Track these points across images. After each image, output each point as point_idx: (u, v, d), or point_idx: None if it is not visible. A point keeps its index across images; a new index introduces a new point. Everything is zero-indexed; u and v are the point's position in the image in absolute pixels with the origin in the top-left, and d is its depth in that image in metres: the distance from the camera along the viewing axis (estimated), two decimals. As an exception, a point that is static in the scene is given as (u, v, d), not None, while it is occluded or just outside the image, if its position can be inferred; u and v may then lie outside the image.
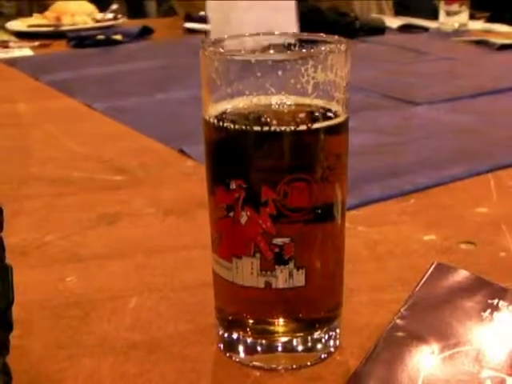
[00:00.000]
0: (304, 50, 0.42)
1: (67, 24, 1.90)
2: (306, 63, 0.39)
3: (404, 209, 0.69)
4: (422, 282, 0.50)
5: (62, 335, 0.48)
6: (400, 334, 0.44)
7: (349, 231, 0.46)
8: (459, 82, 1.25)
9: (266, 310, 0.44)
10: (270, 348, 0.44)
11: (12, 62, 1.53)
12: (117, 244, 0.63)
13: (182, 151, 0.87)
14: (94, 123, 1.05)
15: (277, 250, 0.41)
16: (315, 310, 0.44)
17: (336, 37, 0.43)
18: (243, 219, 0.41)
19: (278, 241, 0.41)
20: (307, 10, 1.48)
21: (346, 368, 0.44)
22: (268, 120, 0.40)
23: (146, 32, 1.84)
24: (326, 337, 0.45)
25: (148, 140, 0.93)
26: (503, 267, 0.56)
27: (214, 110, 0.41)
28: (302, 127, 0.39)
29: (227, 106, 0.41)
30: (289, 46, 0.43)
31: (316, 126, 0.40)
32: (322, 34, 0.43)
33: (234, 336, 0.45)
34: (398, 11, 2.41)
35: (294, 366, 0.44)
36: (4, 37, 1.84)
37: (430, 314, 0.46)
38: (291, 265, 0.41)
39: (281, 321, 0.44)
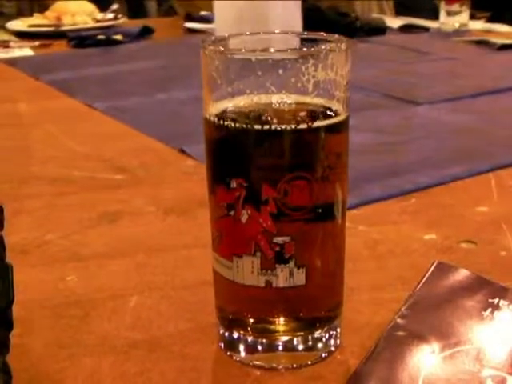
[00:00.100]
0: (305, 49, 0.42)
1: (68, 24, 1.90)
2: (306, 62, 0.39)
3: (404, 208, 0.69)
4: (422, 282, 0.50)
5: (62, 334, 0.48)
6: (400, 333, 0.44)
7: (349, 230, 0.46)
8: (460, 82, 1.25)
9: (266, 309, 0.44)
10: (271, 347, 0.44)
11: (12, 62, 1.53)
12: (117, 243, 0.63)
13: (182, 151, 0.87)
14: (94, 123, 1.05)
15: (277, 248, 0.41)
16: (316, 309, 0.44)
17: (336, 36, 0.43)
18: (244, 218, 0.41)
19: (279, 240, 0.41)
20: (307, 10, 1.48)
21: (346, 367, 0.44)
22: (268, 118, 0.40)
23: (146, 32, 1.84)
24: (327, 336, 0.45)
25: (148, 139, 0.93)
26: (504, 266, 0.56)
27: (214, 108, 0.41)
28: (303, 126, 0.39)
29: (228, 104, 0.41)
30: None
31: (316, 124, 0.40)
32: (322, 33, 0.43)
33: (235, 335, 0.45)
34: (399, 11, 2.41)
35: (295, 365, 0.44)
36: (4, 37, 1.84)
37: (430, 313, 0.46)
38: (292, 264, 0.41)
39: (281, 320, 0.44)
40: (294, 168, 0.40)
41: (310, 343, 0.44)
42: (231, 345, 0.45)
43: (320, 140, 0.40)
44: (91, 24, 1.93)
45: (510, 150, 0.85)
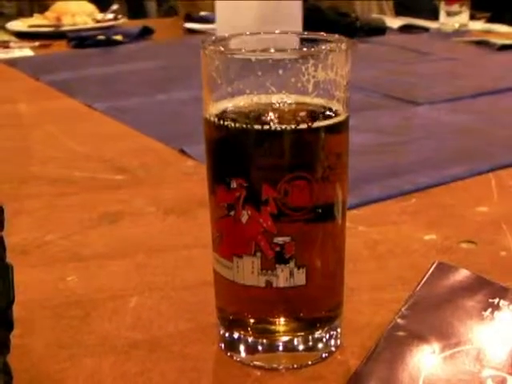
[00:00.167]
0: (305, 49, 0.42)
1: (67, 24, 1.90)
2: (306, 62, 0.39)
3: (404, 208, 0.69)
4: (422, 282, 0.50)
5: (62, 334, 0.48)
6: (401, 333, 0.44)
7: (349, 231, 0.46)
8: (460, 82, 1.25)
9: (266, 309, 0.44)
10: (271, 347, 0.44)
11: (12, 63, 1.53)
12: (117, 243, 0.63)
13: (182, 151, 0.87)
14: (94, 123, 1.05)
15: (277, 249, 0.41)
16: (316, 309, 0.44)
17: (336, 36, 0.43)
18: (244, 218, 0.41)
19: (279, 240, 0.41)
20: (307, 10, 1.48)
21: (346, 367, 0.44)
22: (268, 119, 0.40)
23: (146, 32, 1.85)
24: (327, 336, 0.45)
25: (149, 140, 0.94)
26: (504, 266, 0.56)
27: (214, 108, 0.41)
28: (303, 126, 0.39)
29: (228, 104, 0.41)
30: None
31: (316, 124, 0.40)
32: (322, 33, 0.43)
33: (235, 335, 0.45)
34: (399, 11, 2.41)
35: (295, 366, 0.44)
36: (4, 37, 1.84)
37: (430, 314, 0.46)
38: (292, 264, 0.41)
39: (282, 320, 0.44)
40: (294, 168, 0.40)
41: (311, 343, 0.44)
42: (232, 345, 0.45)
43: (320, 140, 0.40)
44: (91, 24, 1.93)
45: (510, 150, 0.85)
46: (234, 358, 0.45)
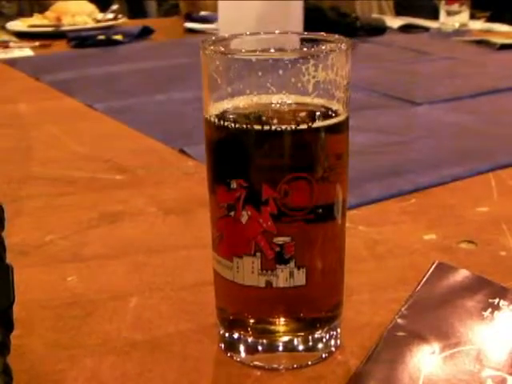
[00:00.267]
0: (305, 49, 0.42)
1: (67, 24, 1.90)
2: (306, 62, 0.39)
3: (404, 208, 0.69)
4: (422, 282, 0.50)
5: (62, 335, 0.48)
6: (401, 333, 0.44)
7: (349, 230, 0.46)
8: (460, 82, 1.25)
9: (266, 310, 0.44)
10: (271, 347, 0.44)
11: (12, 63, 1.53)
12: (118, 243, 0.63)
13: (182, 151, 0.87)
14: (94, 123, 1.05)
15: (277, 249, 0.41)
16: (316, 309, 0.44)
17: (337, 36, 0.43)
18: (244, 218, 0.41)
19: (279, 240, 0.41)
20: (308, 10, 1.48)
21: (346, 367, 0.44)
22: (269, 119, 0.40)
23: (146, 32, 1.85)
24: (327, 336, 0.45)
25: (149, 140, 0.94)
26: (504, 266, 0.56)
27: (214, 109, 0.41)
28: (303, 126, 0.39)
29: (228, 105, 0.41)
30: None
31: (316, 124, 0.40)
32: (322, 33, 0.43)
33: (235, 335, 0.45)
34: (399, 11, 2.41)
35: (295, 366, 0.44)
36: (4, 37, 1.84)
37: (430, 314, 0.46)
38: (292, 264, 0.41)
39: (281, 320, 0.44)
40: (294, 168, 0.40)
41: (311, 343, 0.44)
42: (231, 345, 0.45)
43: (320, 140, 0.40)
44: (91, 24, 1.94)
45: (510, 150, 0.85)
46: (234, 358, 0.45)
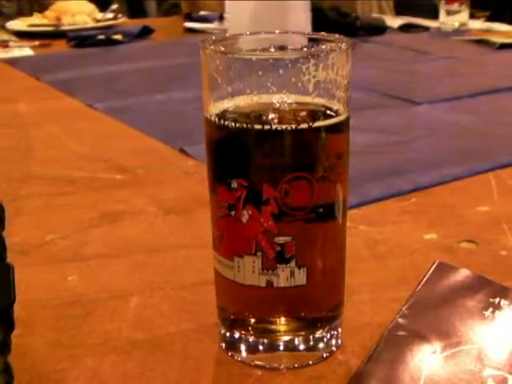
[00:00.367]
0: (305, 49, 0.42)
1: (67, 24, 1.90)
2: (307, 62, 0.39)
3: (405, 208, 0.69)
4: (423, 281, 0.50)
5: (63, 334, 0.48)
6: (401, 333, 0.44)
7: (350, 230, 0.46)
8: (460, 81, 1.25)
9: (267, 309, 0.44)
10: (272, 347, 0.44)
11: (12, 62, 1.53)
12: (118, 243, 0.63)
13: (182, 151, 0.87)
14: (94, 123, 1.05)
15: (278, 248, 0.41)
16: (317, 308, 0.44)
17: (337, 35, 0.43)
18: (245, 218, 0.41)
19: (280, 239, 0.41)
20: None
21: (347, 367, 0.44)
22: (269, 118, 0.40)
23: (146, 32, 1.85)
24: (328, 336, 0.45)
25: (149, 140, 0.94)
26: (504, 266, 0.56)
27: (215, 108, 0.41)
28: (303, 126, 0.39)
29: (228, 104, 0.41)
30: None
31: (317, 124, 0.40)
32: (323, 33, 0.43)
33: (236, 335, 0.45)
34: (399, 11, 2.41)
35: (296, 365, 0.44)
36: (4, 36, 1.84)
37: (431, 313, 0.46)
38: (292, 263, 0.41)
39: (282, 320, 0.44)
40: (295, 168, 0.40)
41: (311, 343, 0.44)
42: (232, 345, 0.45)
43: (321, 140, 0.40)
44: (91, 24, 1.94)
45: (510, 150, 0.85)
46: (235, 357, 0.45)
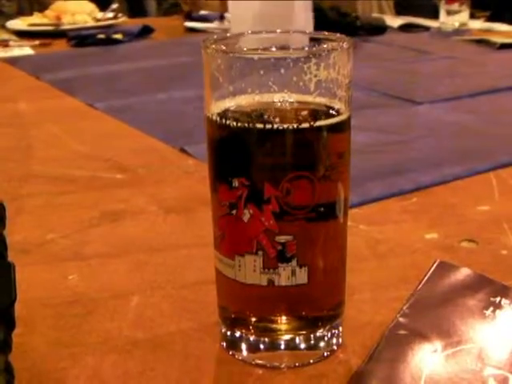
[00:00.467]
0: (306, 48, 0.42)
1: (67, 23, 1.90)
2: (308, 61, 0.39)
3: (406, 207, 0.69)
4: (424, 281, 0.50)
5: (64, 333, 0.48)
6: (402, 332, 0.44)
7: (351, 229, 0.46)
8: (460, 81, 1.25)
9: (268, 308, 0.44)
10: (273, 346, 0.44)
11: (13, 61, 1.53)
12: (119, 242, 0.63)
13: (183, 150, 0.87)
14: (95, 122, 1.05)
15: (279, 247, 0.41)
16: (318, 307, 0.44)
17: (338, 34, 0.43)
18: (246, 217, 0.41)
19: (281, 238, 0.41)
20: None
21: (348, 366, 0.44)
22: (270, 118, 0.40)
23: (146, 31, 1.85)
24: (329, 335, 0.45)
25: (149, 139, 0.94)
26: (505, 265, 0.56)
27: (216, 107, 0.41)
28: (305, 125, 0.39)
29: (230, 103, 0.41)
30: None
31: (318, 123, 0.40)
32: (324, 32, 0.43)
33: (237, 334, 0.45)
34: (399, 11, 2.41)
35: (297, 364, 0.44)
36: (4, 36, 1.84)
37: (432, 312, 0.46)
38: (294, 262, 0.41)
39: (283, 319, 0.44)
40: (296, 167, 0.40)
41: (312, 342, 0.44)
42: (233, 344, 0.45)
43: (322, 139, 0.40)
44: (91, 23, 1.94)
45: (511, 150, 0.85)
46: (236, 356, 0.45)
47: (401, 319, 0.45)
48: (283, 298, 0.43)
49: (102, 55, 1.62)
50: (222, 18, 1.97)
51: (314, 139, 0.40)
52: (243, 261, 0.42)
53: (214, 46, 0.41)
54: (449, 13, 1.84)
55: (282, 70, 0.39)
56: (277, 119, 0.40)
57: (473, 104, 1.09)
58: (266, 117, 0.40)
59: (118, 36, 1.75)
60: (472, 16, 1.92)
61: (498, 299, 0.47)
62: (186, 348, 0.46)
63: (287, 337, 0.44)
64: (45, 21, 1.94)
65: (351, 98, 0.42)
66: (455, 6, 1.83)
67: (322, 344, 0.44)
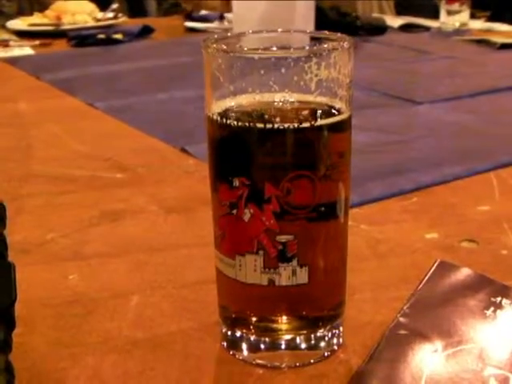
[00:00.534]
0: (307, 48, 0.42)
1: (68, 23, 1.90)
2: (309, 60, 0.39)
3: (406, 207, 0.69)
4: (424, 280, 0.50)
5: (64, 333, 0.48)
6: (403, 332, 0.44)
7: (351, 229, 0.46)
8: (460, 81, 1.25)
9: (269, 308, 0.44)
10: (274, 346, 0.44)
11: (13, 61, 1.53)
12: (119, 242, 0.63)
13: (183, 150, 0.87)
14: (95, 122, 1.05)
15: (280, 247, 0.41)
16: (318, 307, 0.44)
17: (339, 34, 0.43)
18: (246, 216, 0.41)
19: (282, 238, 0.41)
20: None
21: (348, 366, 0.44)
22: (271, 117, 0.40)
23: (146, 31, 1.84)
24: (330, 335, 0.45)
25: (149, 139, 0.93)
26: (505, 265, 0.56)
27: (217, 107, 0.41)
28: (305, 124, 0.39)
29: (230, 103, 0.41)
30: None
31: (319, 123, 0.40)
32: (325, 32, 0.43)
33: (238, 334, 0.45)
34: (399, 11, 2.41)
35: (298, 364, 0.44)
36: (4, 36, 1.84)
37: (432, 312, 0.46)
38: (294, 262, 0.41)
39: (284, 318, 0.44)
40: (297, 167, 0.40)
41: (313, 342, 0.44)
42: (234, 343, 0.45)
43: (323, 139, 0.40)
44: (91, 23, 1.93)
45: (511, 149, 0.85)
46: (237, 356, 0.45)
47: (401, 319, 0.45)
48: (284, 298, 0.43)
49: (102, 55, 1.62)
50: (222, 17, 1.97)
51: (314, 139, 0.40)
52: (244, 260, 0.42)
53: (214, 45, 0.41)
54: (449, 13, 1.84)
55: (283, 70, 0.39)
56: (277, 119, 0.40)
57: (473, 104, 1.09)
58: (266, 116, 0.40)
59: (118, 36, 1.75)
60: (472, 16, 1.92)
61: (498, 299, 0.47)
62: (187, 348, 0.46)
63: (288, 337, 0.44)
64: (45, 21, 1.94)
65: (352, 97, 0.42)
66: (455, 6, 1.83)
67: (322, 344, 0.44)
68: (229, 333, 0.45)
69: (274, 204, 0.40)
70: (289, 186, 0.40)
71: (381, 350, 0.42)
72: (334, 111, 0.41)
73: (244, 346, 0.45)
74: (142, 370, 0.44)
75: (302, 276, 0.42)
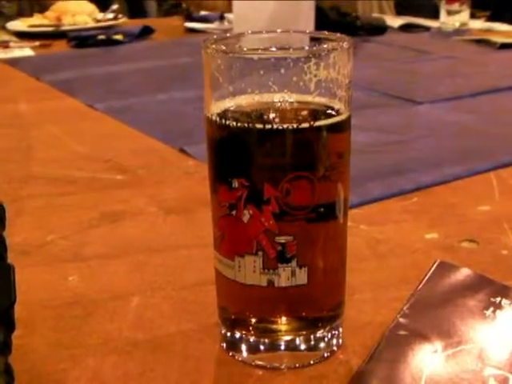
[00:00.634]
0: (306, 48, 0.42)
1: (68, 24, 1.90)
2: (308, 61, 0.39)
3: (406, 207, 0.69)
4: (424, 281, 0.50)
5: (64, 334, 0.48)
6: (402, 332, 0.44)
7: (351, 229, 0.46)
8: (460, 81, 1.24)
9: (268, 309, 0.44)
10: (273, 347, 0.44)
11: (13, 62, 1.53)
12: (118, 243, 0.63)
13: (183, 150, 0.86)
14: (95, 123, 1.05)
15: (279, 248, 0.41)
16: (318, 308, 0.44)
17: (338, 34, 0.42)
18: (246, 217, 0.41)
19: (281, 239, 0.41)
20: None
21: (348, 367, 0.43)
22: (270, 118, 0.40)
23: (146, 32, 1.84)
24: (329, 335, 0.45)
25: (149, 140, 0.93)
26: (505, 265, 0.56)
27: (216, 107, 0.41)
28: (305, 125, 0.39)
29: (229, 103, 0.41)
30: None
31: (318, 123, 0.40)
32: (324, 32, 0.43)
33: (237, 335, 0.45)
34: (399, 11, 2.41)
35: (297, 365, 0.44)
36: (4, 37, 1.84)
37: (432, 313, 0.46)
38: (294, 263, 0.41)
39: (283, 319, 0.44)
40: (296, 167, 0.40)
41: (313, 343, 0.44)
42: (233, 345, 0.45)
43: (322, 139, 0.40)
44: (91, 24, 1.93)
45: (511, 150, 0.85)
46: (236, 357, 0.45)
47: (401, 319, 0.45)
48: (283, 299, 0.43)
49: (103, 56, 1.62)
50: (221, 18, 1.97)
51: (313, 139, 0.40)
52: (243, 261, 0.42)
53: (214, 46, 0.41)
54: (449, 13, 1.84)
55: (282, 70, 0.39)
56: (277, 119, 0.40)
57: (473, 104, 1.09)
58: (265, 117, 0.40)
59: (119, 37, 1.75)
60: (472, 16, 1.92)
61: (498, 299, 0.47)
62: (186, 349, 0.46)
63: (287, 338, 0.44)
64: (45, 22, 1.94)
65: (351, 97, 0.42)
66: (455, 6, 1.83)
67: (322, 345, 0.44)
68: (228, 334, 0.45)
69: (274, 205, 0.40)
70: (288, 186, 0.40)
71: (381, 351, 0.42)
72: (333, 112, 0.41)
73: (243, 347, 0.44)
74: (142, 371, 0.44)
75: (302, 277, 0.42)
